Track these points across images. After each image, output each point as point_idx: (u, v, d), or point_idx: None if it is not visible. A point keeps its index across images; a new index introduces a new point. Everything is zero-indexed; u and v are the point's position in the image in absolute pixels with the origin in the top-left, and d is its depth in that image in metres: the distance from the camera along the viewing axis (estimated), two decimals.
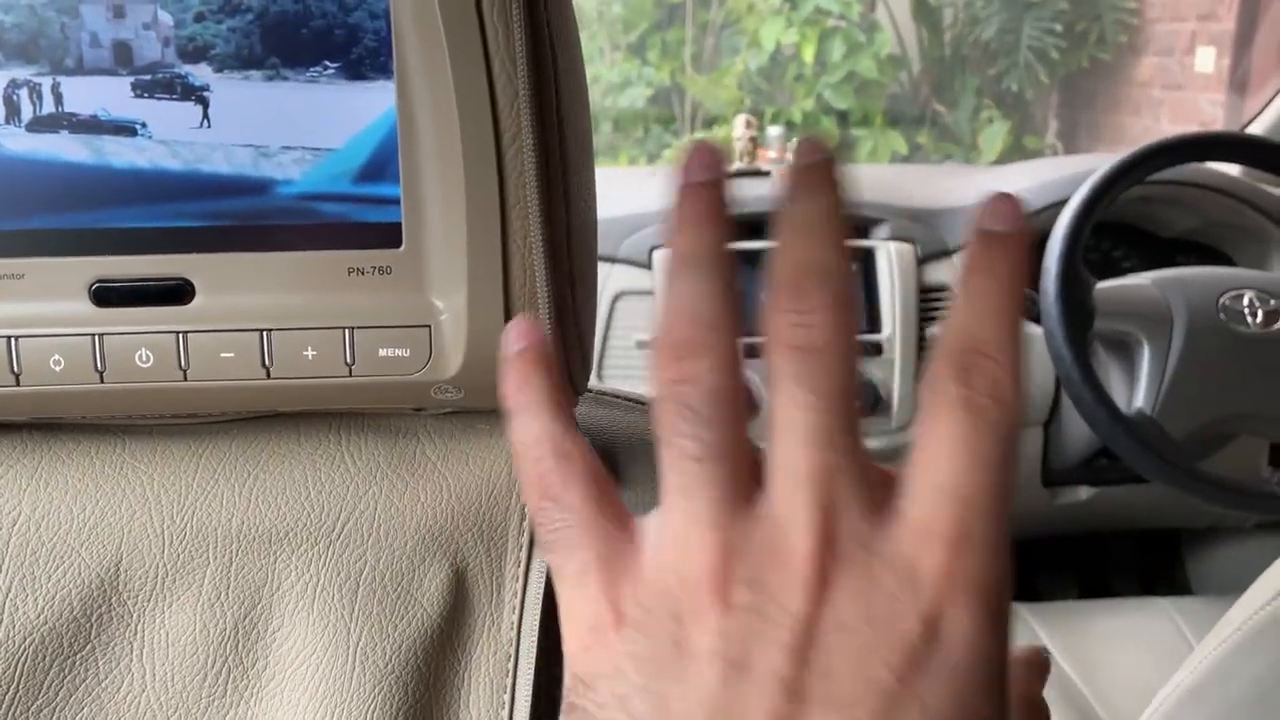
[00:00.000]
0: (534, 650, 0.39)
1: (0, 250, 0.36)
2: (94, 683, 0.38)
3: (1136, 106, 4.56)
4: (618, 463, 0.42)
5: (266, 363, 0.36)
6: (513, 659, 0.39)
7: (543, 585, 0.39)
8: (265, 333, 0.36)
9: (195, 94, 0.35)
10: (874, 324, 1.27)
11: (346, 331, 0.36)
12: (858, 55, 3.89)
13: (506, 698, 0.39)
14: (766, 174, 1.45)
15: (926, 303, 1.28)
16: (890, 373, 1.25)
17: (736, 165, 1.44)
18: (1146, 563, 1.67)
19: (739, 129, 1.45)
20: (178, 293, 0.36)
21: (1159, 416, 1.12)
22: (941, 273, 1.30)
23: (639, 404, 0.45)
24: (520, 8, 0.34)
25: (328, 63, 0.35)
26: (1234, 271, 1.21)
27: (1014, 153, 4.38)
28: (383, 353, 0.37)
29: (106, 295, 0.36)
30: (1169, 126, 4.27)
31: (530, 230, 0.35)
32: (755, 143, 1.46)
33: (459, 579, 0.39)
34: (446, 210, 0.36)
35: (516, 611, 0.40)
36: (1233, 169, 1.36)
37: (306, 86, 0.35)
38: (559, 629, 0.40)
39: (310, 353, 0.36)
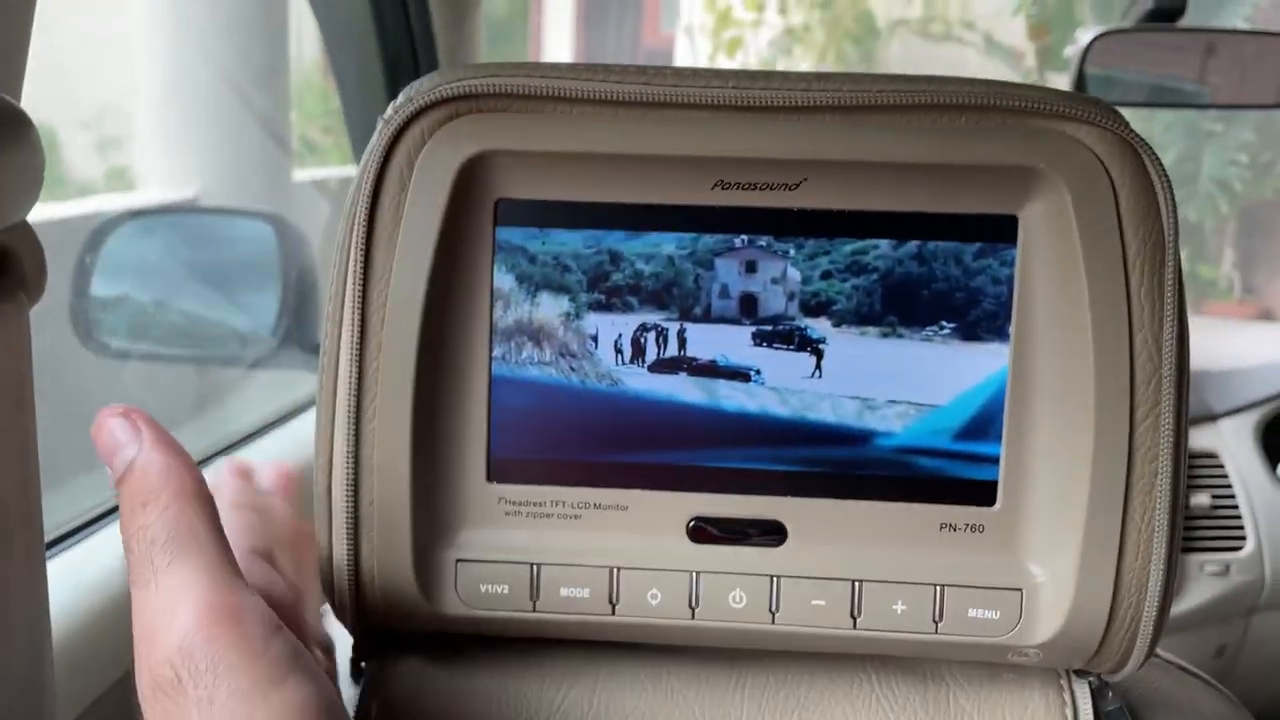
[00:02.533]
0: None
1: (609, 481, 0.37)
2: None
3: None
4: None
5: (855, 614, 0.36)
6: None
7: None
8: (856, 583, 0.36)
9: (811, 346, 0.36)
10: None
11: (937, 589, 0.36)
12: None
13: None
14: None
15: (1191, 470, 1.23)
16: None
17: None
18: None
19: None
20: (771, 534, 0.37)
21: None
22: (1207, 439, 1.25)
23: (1171, 664, 0.43)
24: (1174, 287, 0.34)
25: (944, 323, 0.36)
26: None
27: (1188, 283, 4.24)
28: (971, 613, 0.36)
29: (703, 533, 0.37)
30: None
31: (1157, 508, 0.35)
32: None
33: None
34: (1056, 475, 0.35)
35: None
36: None
37: (919, 344, 0.36)
38: None
39: (900, 607, 0.36)
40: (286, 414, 1.08)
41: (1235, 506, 1.23)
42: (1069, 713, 0.39)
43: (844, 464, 0.37)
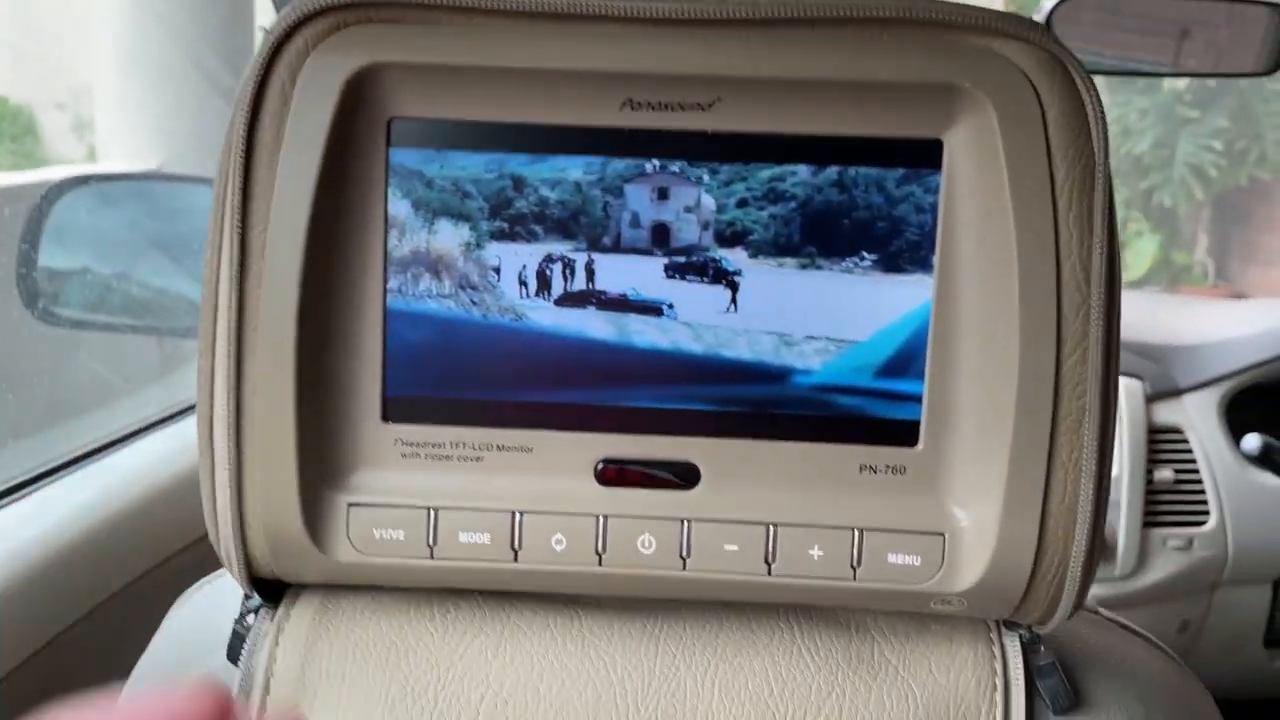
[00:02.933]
0: None
1: (512, 421, 0.35)
2: None
3: None
4: (1080, 683, 0.38)
5: (769, 559, 0.35)
6: None
7: None
8: (771, 527, 0.35)
9: (726, 278, 0.34)
10: None
11: (856, 532, 0.34)
12: None
13: None
14: None
15: (1155, 444, 1.22)
16: (1116, 516, 1.19)
17: None
18: None
19: None
20: (683, 477, 0.35)
21: None
22: (1171, 413, 1.24)
23: (1111, 622, 0.42)
24: (1104, 214, 0.32)
25: (865, 254, 0.34)
26: None
27: (1162, 268, 4.26)
28: (891, 559, 0.34)
29: (612, 475, 0.35)
30: None
31: (1084, 448, 0.33)
32: None
33: None
34: (980, 413, 0.34)
35: None
36: None
37: (840, 276, 0.34)
38: None
39: (816, 552, 0.35)
40: None
41: (1199, 481, 1.22)
42: (998, 666, 0.37)
43: (760, 403, 0.35)
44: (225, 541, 0.35)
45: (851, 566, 0.35)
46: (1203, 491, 1.21)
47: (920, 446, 0.35)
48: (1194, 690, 0.41)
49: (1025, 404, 0.33)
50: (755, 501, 0.35)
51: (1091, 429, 0.33)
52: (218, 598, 0.43)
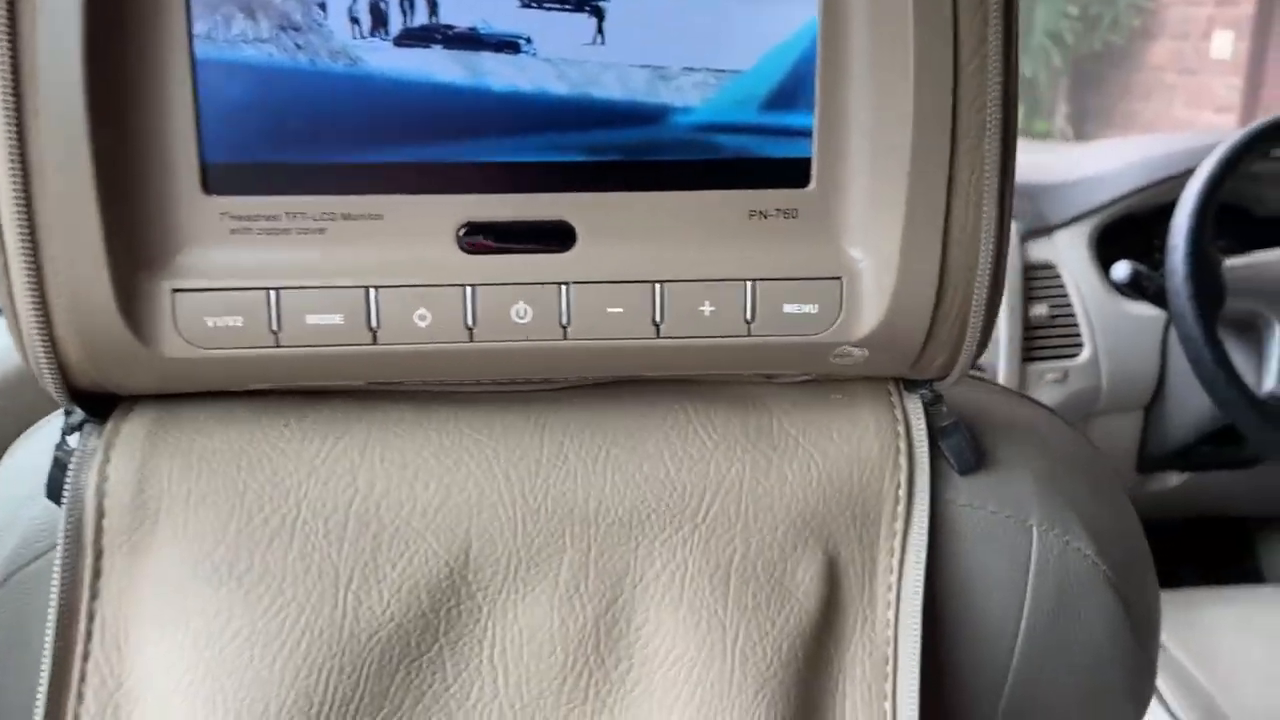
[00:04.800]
0: (917, 652, 0.34)
1: (356, 187, 0.31)
2: (442, 688, 0.33)
3: (1149, 91, 4.52)
4: (982, 443, 0.37)
5: (657, 320, 0.32)
6: (891, 661, 0.35)
7: (921, 577, 0.35)
8: (657, 285, 0.31)
9: (591, 4, 0.30)
10: None
11: (748, 284, 0.31)
12: None
13: (888, 706, 0.35)
14: None
15: (1029, 280, 1.25)
16: (995, 352, 1.21)
17: None
18: (1215, 551, 1.65)
19: None
20: (557, 237, 0.31)
21: None
22: (1044, 250, 1.26)
23: (1003, 389, 0.41)
24: None
25: None
26: None
27: (1023, 136, 4.37)
28: (788, 309, 0.32)
29: (477, 240, 0.31)
30: (1183, 112, 4.25)
31: (985, 166, 0.30)
32: None
33: (831, 569, 0.35)
34: (875, 143, 0.31)
35: (892, 608, 0.35)
36: None
37: None
38: (936, 625, 0.36)
39: (707, 308, 0.32)
40: None
41: (1072, 315, 1.25)
42: (900, 429, 0.36)
43: (637, 149, 0.31)
44: (30, 346, 0.30)
45: (745, 320, 0.32)
46: (1076, 325, 1.25)
47: (812, 186, 0.32)
48: (1086, 446, 0.40)
49: (921, 122, 0.30)
50: (638, 259, 0.31)
51: (993, 144, 0.30)
52: (40, 443, 0.38)
